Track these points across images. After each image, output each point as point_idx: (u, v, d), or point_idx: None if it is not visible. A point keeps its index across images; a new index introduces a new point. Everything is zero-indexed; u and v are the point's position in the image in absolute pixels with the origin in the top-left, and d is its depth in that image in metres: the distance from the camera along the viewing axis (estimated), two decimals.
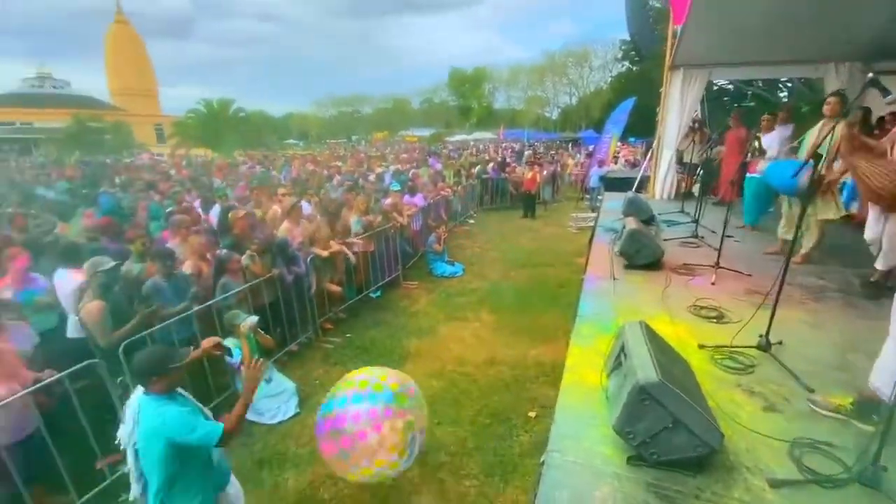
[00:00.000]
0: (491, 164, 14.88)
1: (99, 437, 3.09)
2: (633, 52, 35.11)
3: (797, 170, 2.97)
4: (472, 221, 12.04)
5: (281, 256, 4.80)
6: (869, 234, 3.35)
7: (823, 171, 3.35)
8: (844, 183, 5.35)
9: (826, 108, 3.88)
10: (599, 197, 10.82)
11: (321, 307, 5.49)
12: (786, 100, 14.04)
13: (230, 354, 3.23)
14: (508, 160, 16.64)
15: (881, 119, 5.38)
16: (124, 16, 55.28)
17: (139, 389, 2.07)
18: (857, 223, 5.22)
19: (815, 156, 3.35)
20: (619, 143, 16.74)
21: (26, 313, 3.43)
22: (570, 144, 31.45)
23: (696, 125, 7.02)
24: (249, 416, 3.77)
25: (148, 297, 3.62)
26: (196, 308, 3.81)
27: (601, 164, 13.53)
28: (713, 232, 4.67)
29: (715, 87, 14.24)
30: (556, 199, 14.95)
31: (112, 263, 3.39)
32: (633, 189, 7.23)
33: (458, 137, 42.33)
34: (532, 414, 3.89)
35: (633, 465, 1.67)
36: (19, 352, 2.97)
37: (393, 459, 2.50)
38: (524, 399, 4.12)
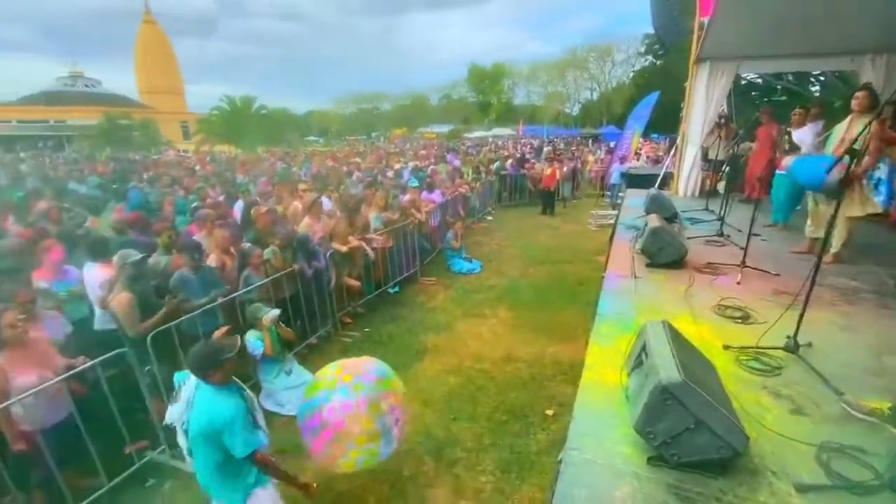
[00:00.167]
0: (509, 161, 14.78)
1: (127, 423, 3.21)
2: (656, 46, 34.34)
3: (831, 165, 2.86)
4: (489, 218, 11.99)
5: (301, 251, 4.87)
6: None
7: (854, 168, 3.23)
8: (880, 179, 5.14)
9: (854, 103, 3.74)
10: (620, 194, 10.65)
11: (340, 301, 5.56)
12: (818, 94, 13.56)
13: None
14: (528, 156, 16.49)
15: None
16: (152, 16, 56.68)
17: (193, 379, 2.19)
18: (893, 222, 5.03)
19: (850, 151, 3.22)
20: (641, 139, 16.40)
21: (59, 303, 3.58)
22: (590, 141, 31.01)
23: (723, 120, 6.83)
24: (270, 406, 3.86)
25: (175, 288, 3.71)
26: (220, 300, 3.90)
27: (622, 160, 13.28)
28: (739, 230, 4.54)
29: (743, 81, 13.81)
30: (575, 196, 14.74)
31: (139, 256, 3.51)
32: (656, 186, 7.09)
33: (476, 134, 42.21)
34: (549, 412, 3.86)
35: (654, 465, 1.65)
36: (52, 340, 3.10)
37: (369, 447, 2.51)
38: (541, 397, 4.10)
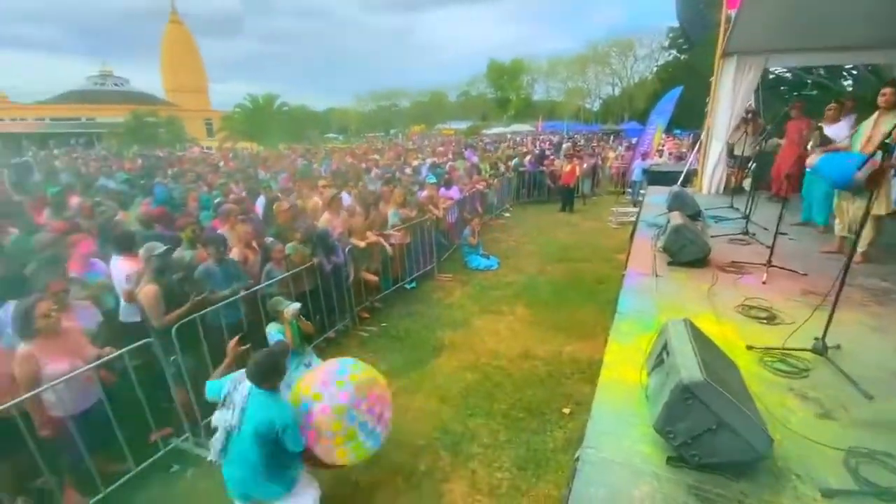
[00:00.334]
0: (528, 157, 14.66)
1: (152, 411, 3.32)
2: (681, 40, 33.56)
3: (861, 163, 2.77)
4: (507, 215, 11.93)
5: (321, 246, 4.94)
6: None
7: (884, 165, 3.12)
8: None
9: (881, 99, 3.62)
10: (642, 191, 10.47)
11: (358, 296, 5.62)
12: (850, 88, 13.04)
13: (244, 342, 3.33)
14: (547, 152, 16.32)
15: None
16: (179, 16, 58.03)
17: (246, 383, 2.28)
18: None
19: (883, 146, 3.10)
20: (663, 136, 16.07)
21: (94, 293, 3.72)
22: (611, 137, 30.52)
23: (750, 115, 6.64)
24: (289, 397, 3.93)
25: (200, 280, 3.81)
26: (243, 293, 3.99)
27: (644, 156, 13.04)
28: (765, 229, 4.42)
29: (771, 75, 13.36)
30: (595, 193, 14.55)
31: (164, 248, 3.61)
32: (679, 183, 6.95)
33: (495, 130, 41.97)
34: (566, 410, 3.84)
35: (673, 466, 1.63)
36: (85, 330, 3.23)
37: (350, 444, 2.53)
38: (559, 395, 4.08)
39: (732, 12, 5.53)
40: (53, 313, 2.80)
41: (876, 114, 3.70)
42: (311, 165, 13.55)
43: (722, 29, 6.16)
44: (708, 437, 1.53)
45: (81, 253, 4.02)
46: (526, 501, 3.00)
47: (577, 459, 1.73)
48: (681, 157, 13.89)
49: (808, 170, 4.76)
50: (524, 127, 41.19)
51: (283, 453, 2.32)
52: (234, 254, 4.40)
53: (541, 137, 30.05)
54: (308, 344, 4.27)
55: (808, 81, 13.58)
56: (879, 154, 2.82)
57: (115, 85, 54.87)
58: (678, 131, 24.35)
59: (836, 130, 4.57)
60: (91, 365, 2.89)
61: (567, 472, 2.99)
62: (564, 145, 19.26)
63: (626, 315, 2.88)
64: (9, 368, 2.69)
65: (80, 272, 3.87)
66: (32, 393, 2.64)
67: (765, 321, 2.76)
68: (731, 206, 5.67)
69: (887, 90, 3.58)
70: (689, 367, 1.57)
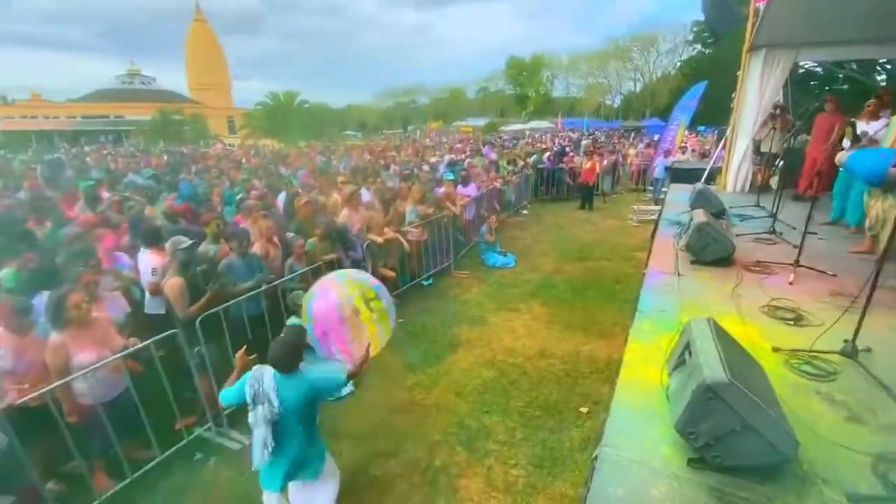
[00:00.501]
0: (547, 154, 14.51)
1: (177, 401, 3.42)
2: (706, 34, 32.74)
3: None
4: (525, 212, 11.85)
5: (340, 241, 5.00)
6: None
7: None
8: None
9: None
10: (664, 189, 10.27)
11: None
12: (883, 83, 12.49)
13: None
14: (567, 149, 16.14)
15: None
16: (203, 15, 59.23)
17: (266, 373, 2.33)
18: None
19: None
20: (686, 132, 15.71)
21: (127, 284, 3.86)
22: (632, 134, 29.99)
23: (778, 111, 6.43)
24: None
25: (224, 273, 3.89)
26: (264, 286, 4.07)
27: (667, 153, 12.77)
28: (793, 228, 4.29)
29: (801, 70, 12.91)
30: (615, 191, 14.33)
31: (189, 242, 3.70)
32: (702, 181, 6.79)
33: (513, 127, 41.68)
34: (584, 409, 3.81)
35: (694, 467, 1.60)
36: (113, 320, 3.34)
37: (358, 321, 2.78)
38: (575, 394, 4.05)
39: (761, 5, 5.37)
40: (84, 304, 2.90)
41: None
42: (331, 162, 13.69)
43: (750, 22, 5.98)
44: (732, 439, 1.50)
45: (105, 247, 4.15)
46: (542, 499, 2.99)
47: (596, 458, 1.72)
48: (704, 155, 13.57)
49: (839, 167, 4.60)
50: (543, 124, 40.77)
51: (315, 408, 2.52)
52: (256, 248, 4.48)
53: (560, 134, 29.72)
54: None
55: (840, 76, 13.07)
56: None
57: (143, 84, 56.45)
58: (702, 128, 23.80)
59: (875, 126, 4.40)
60: (118, 355, 2.99)
61: (584, 471, 2.97)
62: (584, 142, 19.00)
63: (646, 314, 2.84)
64: (43, 356, 2.80)
65: (106, 265, 4.00)
66: (63, 381, 2.75)
67: (791, 322, 2.68)
68: (758, 205, 5.52)
69: None
70: (712, 367, 1.54)
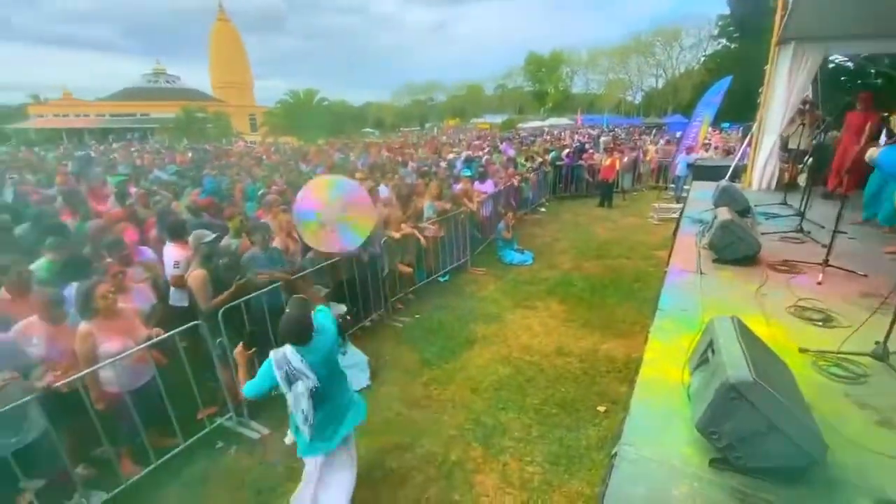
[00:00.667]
0: (566, 151, 14.35)
1: (200, 390, 3.51)
2: (731, 28, 31.84)
3: None
4: (543, 210, 11.75)
5: None
6: None
7: None
8: None
9: None
10: (686, 186, 10.06)
11: (392, 287, 5.71)
12: None
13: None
14: (586, 146, 15.93)
15: None
16: (226, 14, 60.23)
17: (288, 352, 2.38)
18: None
19: None
20: (710, 128, 15.30)
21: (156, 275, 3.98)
22: (653, 130, 29.43)
23: (807, 107, 6.23)
24: None
25: (246, 267, 3.97)
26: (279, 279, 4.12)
27: (689, 150, 12.47)
28: (822, 227, 4.16)
29: (831, 64, 12.44)
30: (636, 189, 14.08)
31: (213, 236, 3.79)
32: (727, 178, 6.62)
33: (531, 124, 41.35)
34: (601, 408, 3.77)
35: (716, 468, 1.57)
36: (139, 311, 3.44)
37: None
38: (593, 393, 4.00)
39: None
40: (110, 295, 3.00)
41: None
42: (349, 159, 13.81)
43: (778, 15, 5.79)
44: (757, 441, 1.46)
45: (127, 241, 4.27)
46: (557, 496, 2.97)
47: (614, 456, 1.70)
48: (728, 152, 13.23)
49: (870, 164, 4.43)
50: (562, 120, 40.40)
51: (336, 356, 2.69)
52: (276, 242, 4.56)
53: (580, 131, 29.36)
54: (344, 332, 4.40)
55: (872, 71, 12.55)
56: None
57: (167, 82, 57.77)
58: (726, 124, 23.20)
59: None
60: (142, 346, 3.08)
61: (601, 470, 2.94)
62: (603, 139, 18.72)
63: (667, 312, 2.79)
64: (73, 345, 2.91)
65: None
66: (92, 369, 2.85)
67: (819, 323, 2.60)
68: (784, 203, 5.35)
69: None
70: (736, 367, 1.51)
